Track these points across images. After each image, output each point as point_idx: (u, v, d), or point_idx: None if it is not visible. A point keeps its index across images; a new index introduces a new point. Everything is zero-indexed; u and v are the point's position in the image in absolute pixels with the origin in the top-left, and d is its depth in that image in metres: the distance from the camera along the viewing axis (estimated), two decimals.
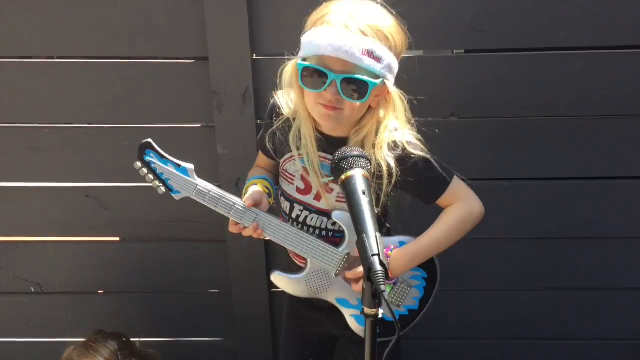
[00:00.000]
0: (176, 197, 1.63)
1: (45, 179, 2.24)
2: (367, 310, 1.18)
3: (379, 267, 1.13)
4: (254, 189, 1.69)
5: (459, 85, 2.08)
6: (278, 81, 1.62)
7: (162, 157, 1.60)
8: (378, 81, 1.45)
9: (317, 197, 1.64)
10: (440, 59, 2.15)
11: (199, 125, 2.18)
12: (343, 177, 1.27)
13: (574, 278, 2.34)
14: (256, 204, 1.63)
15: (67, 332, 2.39)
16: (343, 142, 1.56)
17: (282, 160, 1.70)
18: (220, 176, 2.16)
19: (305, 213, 1.68)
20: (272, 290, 2.35)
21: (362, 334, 1.64)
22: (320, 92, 1.47)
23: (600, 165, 2.17)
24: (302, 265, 1.72)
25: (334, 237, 1.68)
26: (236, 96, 2.05)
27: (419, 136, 1.64)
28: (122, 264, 2.36)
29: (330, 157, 1.57)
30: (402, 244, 1.67)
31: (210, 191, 1.62)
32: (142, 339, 2.26)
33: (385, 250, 1.60)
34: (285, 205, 1.72)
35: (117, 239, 2.37)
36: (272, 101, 1.70)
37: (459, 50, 2.18)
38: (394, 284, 1.70)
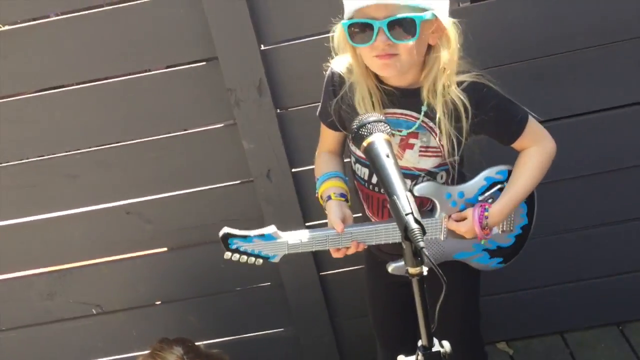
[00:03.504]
0: (275, 260, 1.63)
1: (85, 203, 2.31)
2: (411, 270, 1.18)
3: (414, 225, 1.13)
4: (332, 206, 1.65)
5: (472, 35, 2.04)
6: (331, 49, 1.61)
7: (245, 237, 1.59)
8: (426, 14, 1.43)
9: (399, 155, 1.63)
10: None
11: (222, 125, 2.21)
12: (365, 144, 1.28)
13: (624, 209, 2.30)
14: (344, 222, 1.61)
15: (134, 347, 2.45)
16: (417, 91, 1.56)
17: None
18: (250, 170, 2.19)
19: None
20: (322, 273, 2.38)
21: (489, 270, 1.76)
22: (371, 44, 1.45)
23: (620, 93, 2.12)
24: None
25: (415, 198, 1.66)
26: (252, 90, 2.07)
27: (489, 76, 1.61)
28: (173, 272, 2.41)
29: (406, 112, 1.59)
30: (488, 179, 1.67)
31: (301, 240, 1.61)
32: (205, 342, 2.32)
33: (482, 205, 1.62)
34: (363, 172, 1.70)
35: (165, 249, 2.43)
36: (327, 72, 1.69)
37: (465, 1, 2.15)
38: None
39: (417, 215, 1.14)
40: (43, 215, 2.31)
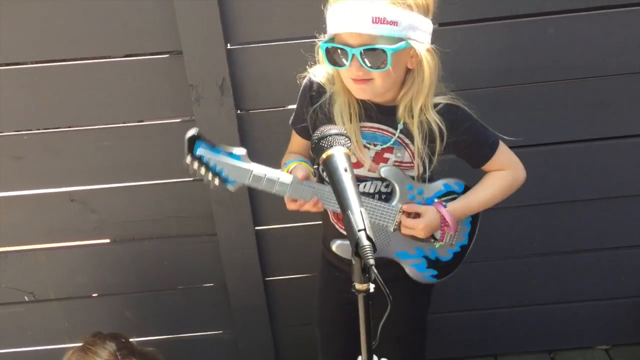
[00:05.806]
0: (231, 187, 1.54)
1: (29, 186, 2.23)
2: (358, 286, 1.18)
3: (366, 242, 1.13)
4: (297, 166, 1.64)
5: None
6: (316, 58, 1.61)
7: (213, 146, 1.50)
8: (399, 45, 1.45)
9: (372, 169, 1.65)
10: None
11: (179, 120, 2.17)
12: (324, 156, 1.27)
13: (566, 241, 2.37)
14: (307, 178, 1.59)
15: (65, 338, 2.38)
16: (395, 109, 1.59)
17: None
18: None
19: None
20: (267, 279, 2.36)
21: (421, 280, 1.75)
22: (346, 68, 1.48)
23: (579, 128, 2.20)
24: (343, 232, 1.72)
25: (388, 199, 1.69)
26: (214, 88, 2.04)
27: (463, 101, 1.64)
28: (114, 265, 2.35)
29: (383, 127, 1.62)
30: (446, 186, 1.71)
31: (265, 174, 1.54)
32: (140, 339, 2.26)
33: (440, 204, 1.66)
34: None
35: (107, 240, 2.37)
36: (305, 80, 1.68)
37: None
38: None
39: (369, 232, 1.14)
40: None
